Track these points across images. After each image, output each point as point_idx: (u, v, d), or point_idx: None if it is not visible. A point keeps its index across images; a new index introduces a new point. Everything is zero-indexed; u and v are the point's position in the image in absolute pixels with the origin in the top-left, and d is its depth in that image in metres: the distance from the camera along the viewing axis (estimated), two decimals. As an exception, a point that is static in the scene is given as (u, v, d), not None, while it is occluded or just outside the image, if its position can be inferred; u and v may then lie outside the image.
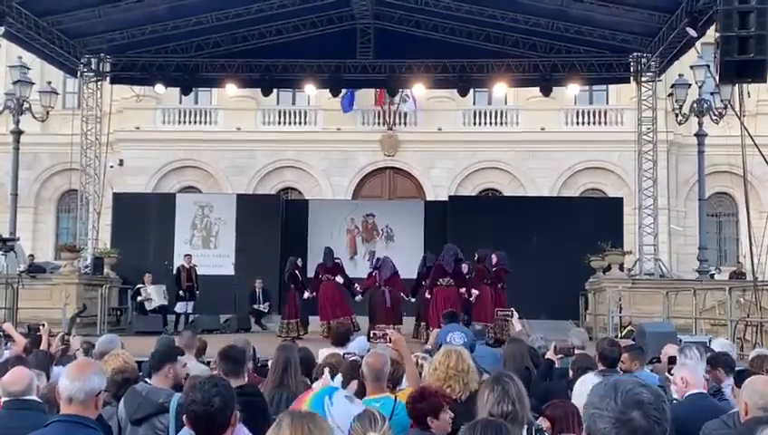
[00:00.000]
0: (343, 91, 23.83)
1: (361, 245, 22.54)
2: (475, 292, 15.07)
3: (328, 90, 22.12)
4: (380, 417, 3.43)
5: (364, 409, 4.04)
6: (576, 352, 7.03)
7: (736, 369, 5.95)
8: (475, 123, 28.74)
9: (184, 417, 3.37)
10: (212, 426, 3.22)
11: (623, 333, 14.61)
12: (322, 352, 7.22)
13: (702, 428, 4.40)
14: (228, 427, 3.23)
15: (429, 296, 14.96)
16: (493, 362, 7.17)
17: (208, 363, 7.14)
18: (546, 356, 6.81)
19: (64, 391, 3.57)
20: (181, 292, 18.97)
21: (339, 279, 16.37)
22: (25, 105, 21.64)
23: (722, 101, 20.04)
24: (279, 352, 5.78)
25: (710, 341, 8.91)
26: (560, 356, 6.70)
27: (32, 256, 24.67)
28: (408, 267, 17.04)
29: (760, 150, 14.11)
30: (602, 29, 18.85)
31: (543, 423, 4.28)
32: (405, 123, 28.83)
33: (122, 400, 5.02)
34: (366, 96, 28.27)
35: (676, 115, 21.72)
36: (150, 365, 5.43)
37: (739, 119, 13.90)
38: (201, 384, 3.34)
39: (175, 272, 19.62)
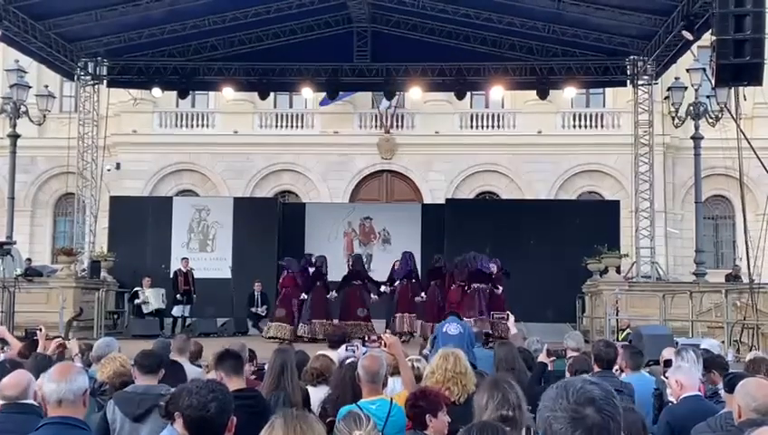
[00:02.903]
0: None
1: (359, 248, 22.53)
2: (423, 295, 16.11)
3: (325, 93, 22.12)
4: (365, 417, 3.45)
5: (349, 410, 4.04)
6: (571, 354, 7.04)
7: (727, 372, 5.96)
8: (472, 126, 28.75)
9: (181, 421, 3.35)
10: (208, 432, 3.20)
11: (622, 337, 14.59)
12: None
13: (691, 432, 4.42)
14: (225, 433, 3.22)
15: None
16: (491, 366, 7.16)
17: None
18: (539, 359, 6.81)
19: (53, 395, 3.59)
20: (178, 295, 18.96)
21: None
22: (22, 109, 21.62)
23: (718, 103, 20.08)
24: (276, 356, 5.79)
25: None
26: (552, 359, 6.71)
27: (29, 259, 24.62)
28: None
29: (756, 153, 14.14)
30: (598, 32, 18.90)
31: None
32: (402, 126, 28.85)
33: (113, 404, 4.99)
34: (364, 100, 28.32)
35: (673, 118, 21.77)
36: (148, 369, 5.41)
37: (735, 122, 13.93)
38: (198, 389, 3.28)
39: (172, 275, 19.61)
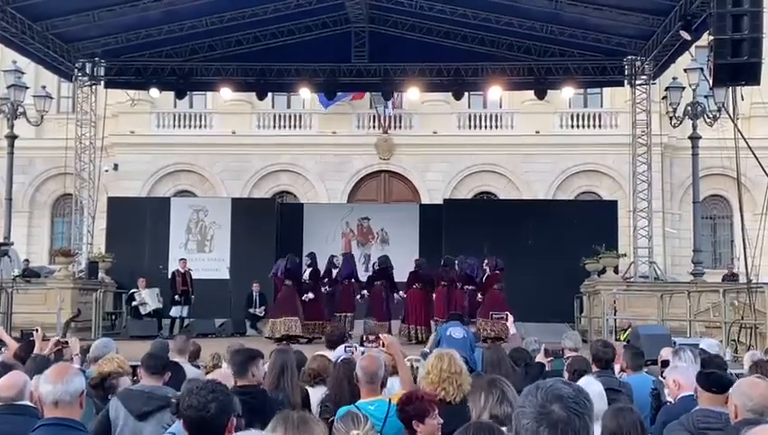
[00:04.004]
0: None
1: (357, 248, 22.53)
2: (403, 294, 16.35)
3: (323, 93, 22.10)
4: (363, 417, 3.45)
5: (347, 410, 4.03)
6: (569, 354, 7.03)
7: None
8: (470, 127, 28.74)
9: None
10: (207, 432, 3.20)
11: (623, 337, 14.57)
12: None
13: (664, 431, 4.44)
14: (225, 433, 3.21)
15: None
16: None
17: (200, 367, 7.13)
18: (537, 359, 6.81)
19: (49, 396, 3.59)
20: (176, 296, 18.95)
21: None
22: (20, 110, 21.62)
23: (716, 103, 20.11)
24: (275, 356, 5.79)
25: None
26: (550, 359, 6.70)
27: (26, 260, 24.62)
28: (403, 271, 17.07)
29: (754, 153, 14.17)
30: (596, 32, 18.91)
31: None
32: (400, 127, 28.85)
33: (117, 400, 4.99)
34: (362, 100, 28.30)
35: (671, 118, 21.80)
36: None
37: (733, 121, 13.96)
38: (198, 389, 3.28)
39: (170, 276, 19.59)
